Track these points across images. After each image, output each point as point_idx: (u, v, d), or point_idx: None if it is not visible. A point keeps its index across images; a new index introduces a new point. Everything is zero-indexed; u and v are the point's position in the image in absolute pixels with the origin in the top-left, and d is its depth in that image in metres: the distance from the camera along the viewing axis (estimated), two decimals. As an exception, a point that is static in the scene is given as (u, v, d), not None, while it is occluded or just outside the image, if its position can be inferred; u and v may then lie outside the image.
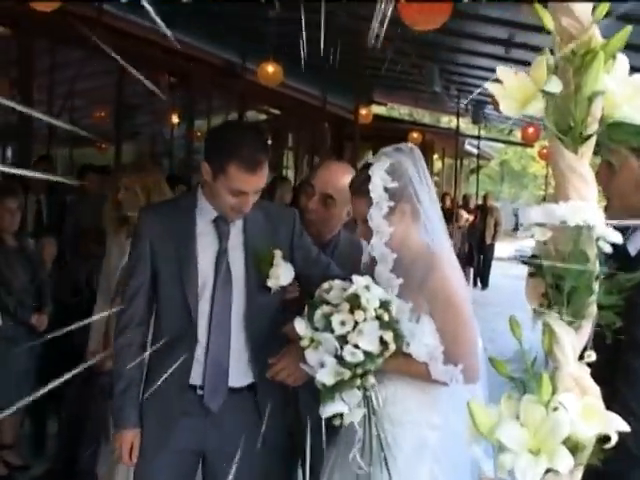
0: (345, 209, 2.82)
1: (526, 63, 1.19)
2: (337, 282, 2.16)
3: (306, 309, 2.14)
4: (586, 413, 1.10)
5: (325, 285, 2.17)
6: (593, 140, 1.14)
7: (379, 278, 2.25)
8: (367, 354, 2.03)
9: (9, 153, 9.29)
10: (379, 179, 2.25)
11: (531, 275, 1.16)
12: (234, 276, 2.43)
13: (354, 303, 2.05)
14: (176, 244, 2.42)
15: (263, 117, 14.79)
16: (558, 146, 1.13)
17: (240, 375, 2.45)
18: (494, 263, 15.80)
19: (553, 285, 1.12)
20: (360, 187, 2.30)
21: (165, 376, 2.38)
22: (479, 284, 15.41)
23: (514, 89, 1.12)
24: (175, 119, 11.62)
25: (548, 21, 1.16)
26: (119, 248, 3.67)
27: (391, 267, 2.26)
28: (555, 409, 1.10)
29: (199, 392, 2.42)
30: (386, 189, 2.25)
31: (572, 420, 1.08)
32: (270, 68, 8.40)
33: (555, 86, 1.10)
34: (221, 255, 2.43)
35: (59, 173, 8.80)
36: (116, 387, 2.47)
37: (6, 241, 4.59)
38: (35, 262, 4.74)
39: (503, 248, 17.17)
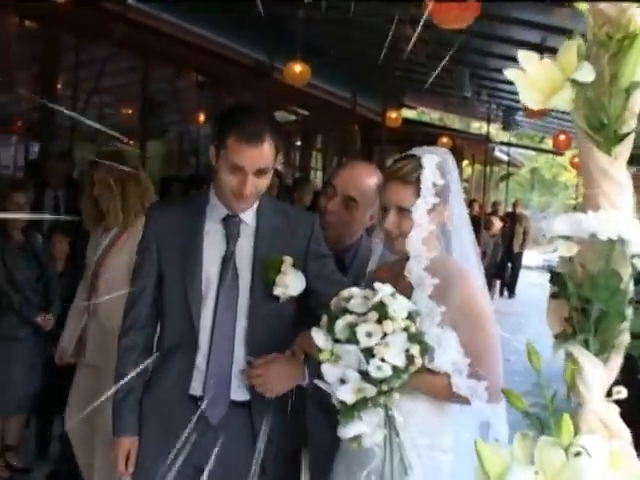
0: (368, 213, 2.68)
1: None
2: (356, 290, 2.02)
3: (324, 319, 2.00)
4: (613, 460, 0.98)
5: (344, 293, 2.02)
6: (630, 139, 1.00)
7: (410, 275, 2.13)
8: (394, 369, 1.88)
9: (35, 148, 9.35)
10: (430, 172, 2.14)
11: (553, 296, 1.01)
12: (241, 281, 2.33)
13: (381, 312, 1.91)
14: (182, 240, 2.35)
15: (292, 118, 14.82)
16: (588, 146, 0.98)
17: (243, 388, 2.34)
18: (522, 272, 15.75)
19: (579, 309, 0.99)
20: (410, 174, 2.16)
21: (165, 383, 2.34)
22: (506, 293, 15.30)
23: (538, 77, 0.97)
24: (202, 118, 11.62)
25: (581, 2, 1.01)
26: (95, 243, 3.66)
27: (425, 266, 2.13)
28: (577, 454, 0.97)
29: (199, 403, 2.31)
30: (435, 184, 2.14)
31: (597, 468, 0.95)
32: (297, 67, 8.34)
33: (586, 74, 0.95)
34: (227, 257, 2.34)
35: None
36: (116, 392, 2.39)
37: (13, 237, 4.55)
38: (43, 259, 4.69)
39: (531, 257, 17.09)
